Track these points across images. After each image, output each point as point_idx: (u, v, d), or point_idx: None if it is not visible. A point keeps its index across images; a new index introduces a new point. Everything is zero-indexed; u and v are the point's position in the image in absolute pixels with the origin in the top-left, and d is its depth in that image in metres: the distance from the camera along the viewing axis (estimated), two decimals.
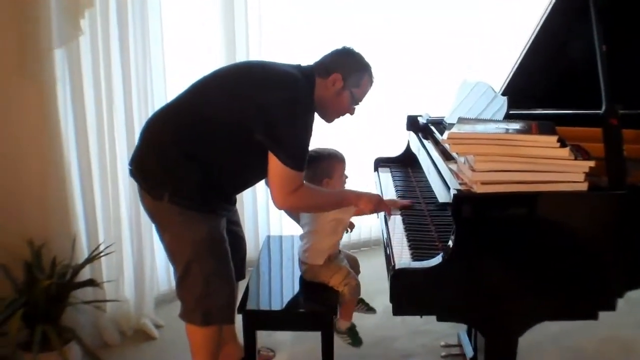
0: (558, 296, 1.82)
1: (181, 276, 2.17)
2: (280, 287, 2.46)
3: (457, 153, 1.92)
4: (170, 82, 3.02)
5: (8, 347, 2.33)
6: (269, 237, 2.91)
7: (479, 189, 1.75)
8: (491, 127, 1.89)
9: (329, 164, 2.32)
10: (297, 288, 2.40)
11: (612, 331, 2.76)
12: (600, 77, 1.85)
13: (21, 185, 2.59)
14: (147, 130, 2.17)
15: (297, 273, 2.46)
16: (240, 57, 3.23)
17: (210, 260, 2.14)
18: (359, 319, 2.47)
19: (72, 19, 2.50)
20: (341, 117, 2.27)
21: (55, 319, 2.44)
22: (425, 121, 2.72)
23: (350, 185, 2.41)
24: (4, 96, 2.51)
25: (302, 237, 2.41)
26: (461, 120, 2.01)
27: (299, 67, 2.19)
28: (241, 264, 2.50)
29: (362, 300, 2.55)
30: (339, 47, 2.24)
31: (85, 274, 2.66)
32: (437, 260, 1.79)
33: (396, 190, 2.58)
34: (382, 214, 2.27)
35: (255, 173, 2.15)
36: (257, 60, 2.97)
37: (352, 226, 2.47)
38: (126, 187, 2.85)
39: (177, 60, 3.09)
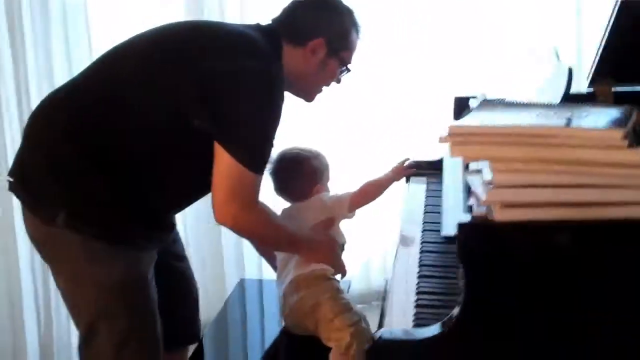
0: None
1: (84, 340, 1.49)
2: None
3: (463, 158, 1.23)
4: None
5: None
6: (242, 280, 2.25)
7: (499, 214, 1.06)
8: (527, 116, 1.21)
9: (321, 164, 1.72)
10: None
11: None
12: None
13: None
14: (31, 125, 1.53)
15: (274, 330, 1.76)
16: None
17: (125, 317, 1.47)
18: None
19: None
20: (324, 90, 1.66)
21: None
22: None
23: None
24: None
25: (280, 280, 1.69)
26: (484, 105, 1.34)
27: (258, 27, 1.57)
28: (190, 319, 1.80)
29: None
30: None
31: None
32: (435, 329, 1.11)
33: (425, 212, 1.78)
34: None
35: (196, 181, 1.51)
36: (200, 20, 2.28)
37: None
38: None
39: (106, 27, 2.34)
